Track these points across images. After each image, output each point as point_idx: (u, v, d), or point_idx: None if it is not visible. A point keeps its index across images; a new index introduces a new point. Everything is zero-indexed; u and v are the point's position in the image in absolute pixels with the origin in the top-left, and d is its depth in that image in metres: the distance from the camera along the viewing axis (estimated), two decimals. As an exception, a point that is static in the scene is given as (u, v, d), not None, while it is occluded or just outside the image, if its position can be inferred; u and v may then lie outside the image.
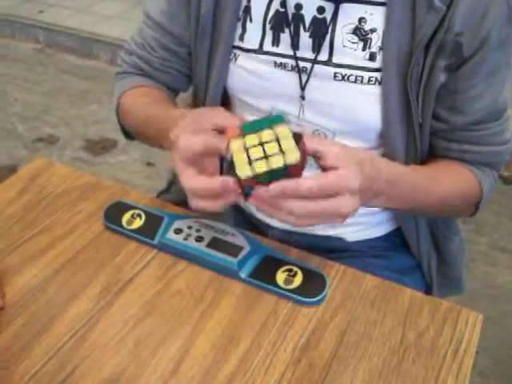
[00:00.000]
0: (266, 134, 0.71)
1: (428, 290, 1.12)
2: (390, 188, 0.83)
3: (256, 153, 0.70)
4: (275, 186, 0.69)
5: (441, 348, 0.78)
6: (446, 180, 0.94)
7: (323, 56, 0.91)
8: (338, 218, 0.74)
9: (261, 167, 0.69)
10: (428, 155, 0.97)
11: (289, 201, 0.70)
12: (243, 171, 0.70)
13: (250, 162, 0.70)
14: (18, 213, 0.97)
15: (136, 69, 1.09)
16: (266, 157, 0.70)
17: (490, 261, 2.21)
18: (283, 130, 0.71)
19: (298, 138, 0.72)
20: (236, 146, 0.71)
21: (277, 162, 0.69)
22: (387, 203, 0.86)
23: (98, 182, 1.03)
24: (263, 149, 0.70)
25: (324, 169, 0.74)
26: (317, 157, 0.74)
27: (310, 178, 0.70)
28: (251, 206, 1.09)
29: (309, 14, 0.90)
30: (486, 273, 2.16)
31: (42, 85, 3.35)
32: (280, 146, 0.70)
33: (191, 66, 1.06)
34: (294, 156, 0.69)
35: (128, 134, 1.12)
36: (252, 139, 0.71)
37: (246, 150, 0.71)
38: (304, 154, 0.71)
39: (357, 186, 0.73)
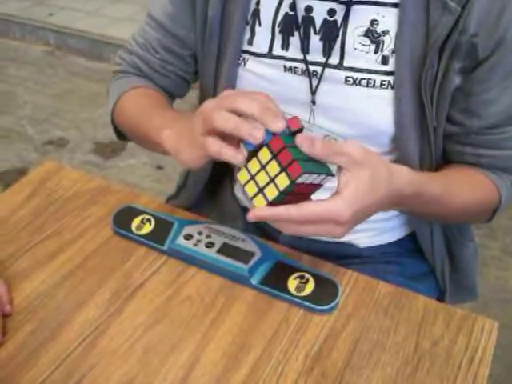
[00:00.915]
0: (263, 154, 0.71)
1: (441, 297, 1.11)
2: (409, 198, 0.81)
3: (262, 180, 0.71)
4: (251, 215, 0.72)
5: (456, 357, 0.77)
6: (464, 188, 0.92)
7: (334, 59, 0.90)
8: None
9: (272, 193, 0.70)
10: (442, 160, 0.96)
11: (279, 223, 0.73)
12: (259, 202, 0.71)
13: (261, 190, 0.71)
14: (26, 217, 0.96)
15: (135, 69, 1.07)
16: (272, 180, 0.70)
17: (503, 265, 2.19)
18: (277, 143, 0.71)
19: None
20: (244, 177, 0.72)
21: (283, 183, 0.69)
22: (406, 210, 0.85)
23: (107, 186, 1.02)
24: (267, 172, 0.70)
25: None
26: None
27: (294, 207, 0.70)
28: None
29: (319, 16, 0.89)
30: (498, 277, 2.14)
31: (52, 87, 3.36)
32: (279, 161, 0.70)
33: (192, 71, 1.05)
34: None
35: (120, 134, 1.12)
36: (254, 165, 0.72)
37: (253, 177, 0.71)
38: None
39: (345, 220, 0.71)
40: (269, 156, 0.70)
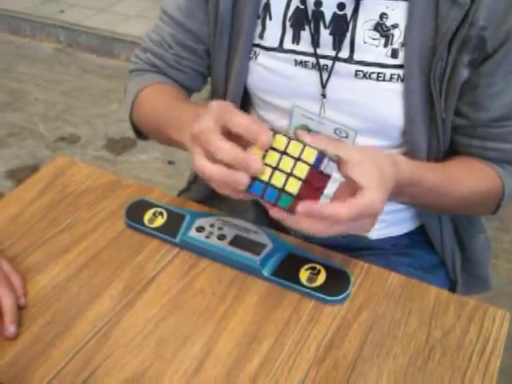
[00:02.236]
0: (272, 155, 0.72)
1: (452, 288, 1.11)
2: (410, 188, 0.81)
3: (287, 166, 0.71)
4: (303, 210, 0.69)
5: (467, 347, 0.77)
6: (465, 178, 0.92)
7: (344, 53, 0.90)
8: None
9: (295, 186, 0.71)
10: (449, 153, 0.96)
11: (311, 221, 0.71)
12: (292, 185, 0.71)
13: (290, 174, 0.71)
14: (39, 212, 0.97)
15: (150, 66, 1.08)
16: (290, 174, 0.71)
17: (515, 258, 2.19)
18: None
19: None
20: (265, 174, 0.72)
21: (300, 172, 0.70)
22: (407, 201, 0.85)
23: (119, 181, 1.03)
24: (290, 156, 0.71)
25: (347, 179, 0.73)
26: (341, 165, 0.73)
27: (338, 204, 0.70)
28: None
29: (329, 10, 0.89)
30: (509, 270, 2.14)
31: (63, 84, 3.37)
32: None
33: (207, 65, 1.05)
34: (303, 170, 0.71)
35: (139, 133, 1.12)
36: (272, 157, 0.72)
37: (276, 167, 0.72)
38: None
39: (379, 212, 0.72)
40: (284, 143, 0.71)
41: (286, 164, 0.71)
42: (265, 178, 0.71)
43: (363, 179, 0.71)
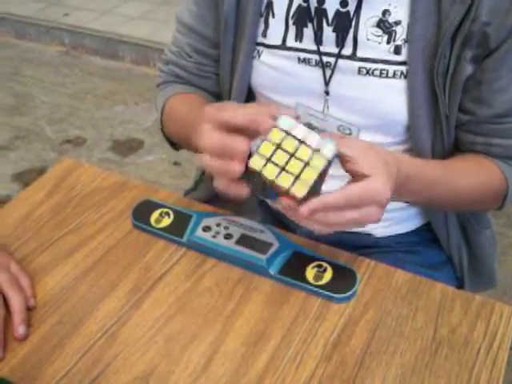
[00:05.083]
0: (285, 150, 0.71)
1: (459, 285, 1.11)
2: (412, 183, 0.82)
3: (295, 167, 0.70)
4: (304, 209, 0.69)
5: (474, 343, 0.77)
6: (468, 173, 0.92)
7: (347, 50, 0.90)
8: (363, 226, 0.74)
9: (311, 176, 0.70)
10: (453, 149, 0.96)
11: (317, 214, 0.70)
12: (299, 189, 0.70)
13: (297, 177, 0.70)
14: (47, 213, 0.97)
15: (174, 77, 1.09)
16: (307, 163, 0.70)
17: (521, 254, 2.18)
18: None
19: None
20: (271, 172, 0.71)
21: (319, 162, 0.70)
22: (410, 198, 0.85)
23: (126, 182, 1.04)
24: (297, 158, 0.70)
25: (352, 174, 0.73)
26: (344, 160, 0.73)
27: (337, 190, 0.70)
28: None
29: (331, 7, 0.89)
30: (517, 266, 2.13)
31: (69, 87, 3.38)
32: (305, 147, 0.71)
33: None
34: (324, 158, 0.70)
35: (174, 145, 1.12)
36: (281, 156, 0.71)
37: (283, 168, 0.71)
38: None
39: (385, 199, 0.72)
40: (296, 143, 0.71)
41: (295, 165, 0.71)
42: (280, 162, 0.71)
43: (367, 168, 0.71)
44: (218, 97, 1.10)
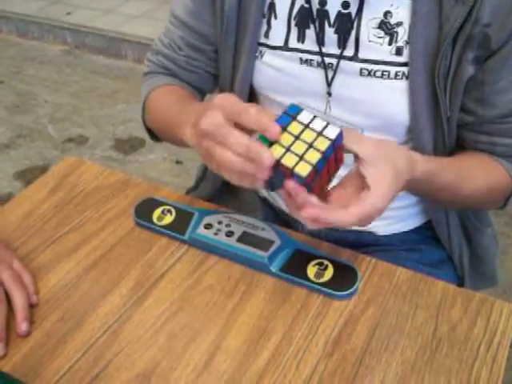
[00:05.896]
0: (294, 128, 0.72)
1: (460, 283, 1.11)
2: (424, 185, 0.83)
3: (300, 147, 0.70)
4: (308, 215, 0.70)
5: (474, 340, 0.77)
6: (476, 174, 0.93)
7: (349, 51, 0.90)
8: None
9: (315, 157, 0.70)
10: (456, 148, 0.96)
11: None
12: (303, 169, 0.70)
13: (301, 157, 0.70)
14: (50, 211, 0.98)
15: (162, 68, 1.09)
16: (310, 145, 0.70)
17: (523, 253, 2.18)
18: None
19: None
20: (278, 151, 0.71)
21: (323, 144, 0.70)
22: (419, 194, 0.85)
23: (128, 180, 1.04)
24: (303, 141, 0.71)
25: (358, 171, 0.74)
26: (355, 157, 0.74)
27: (342, 212, 0.71)
28: (280, 201, 1.09)
29: (333, 9, 0.90)
30: (518, 266, 2.13)
31: (71, 86, 3.39)
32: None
33: (217, 65, 1.06)
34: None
35: (153, 135, 1.13)
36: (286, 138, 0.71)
37: (288, 148, 0.71)
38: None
39: (382, 211, 0.73)
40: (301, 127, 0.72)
41: (308, 135, 0.71)
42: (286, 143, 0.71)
43: (373, 181, 0.72)
44: (202, 92, 1.11)
